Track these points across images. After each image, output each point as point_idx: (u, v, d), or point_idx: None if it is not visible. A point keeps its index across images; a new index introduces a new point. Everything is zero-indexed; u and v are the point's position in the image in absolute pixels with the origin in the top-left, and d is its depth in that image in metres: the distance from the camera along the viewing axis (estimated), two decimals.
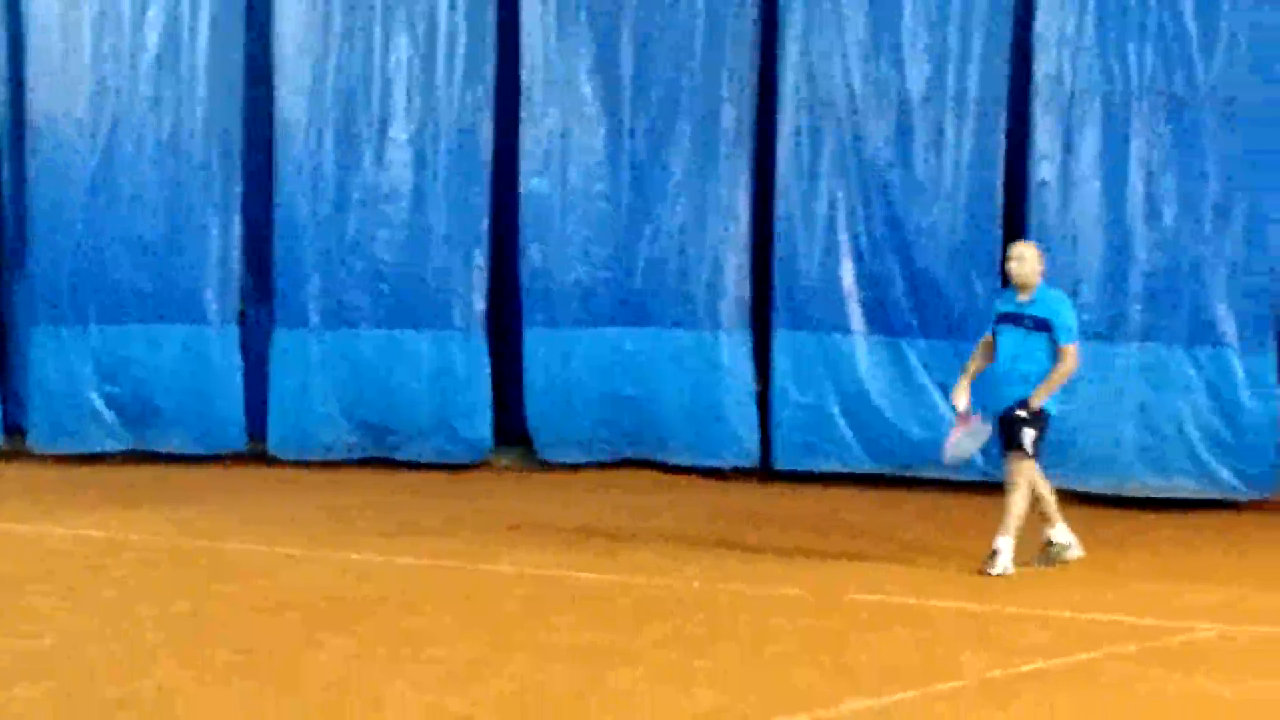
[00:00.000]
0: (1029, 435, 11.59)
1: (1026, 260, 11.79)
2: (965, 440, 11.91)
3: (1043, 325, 11.65)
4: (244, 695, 8.48)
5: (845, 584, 11.40)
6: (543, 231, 17.05)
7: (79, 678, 8.81)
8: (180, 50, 17.98)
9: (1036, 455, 11.67)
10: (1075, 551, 11.95)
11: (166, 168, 18.00)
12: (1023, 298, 11.78)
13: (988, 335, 11.96)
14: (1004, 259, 12.33)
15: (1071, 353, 11.65)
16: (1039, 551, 11.94)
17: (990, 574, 11.51)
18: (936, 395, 15.64)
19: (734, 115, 16.48)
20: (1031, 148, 15.37)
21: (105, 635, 9.89)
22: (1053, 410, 11.75)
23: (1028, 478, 11.66)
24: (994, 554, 11.60)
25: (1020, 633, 9.91)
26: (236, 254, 17.91)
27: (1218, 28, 14.83)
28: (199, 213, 17.91)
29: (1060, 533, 11.93)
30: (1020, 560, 11.70)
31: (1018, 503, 11.63)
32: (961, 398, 11.81)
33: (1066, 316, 11.70)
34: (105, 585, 11.49)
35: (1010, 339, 11.76)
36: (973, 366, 11.98)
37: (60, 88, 18.26)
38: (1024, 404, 11.59)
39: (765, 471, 16.29)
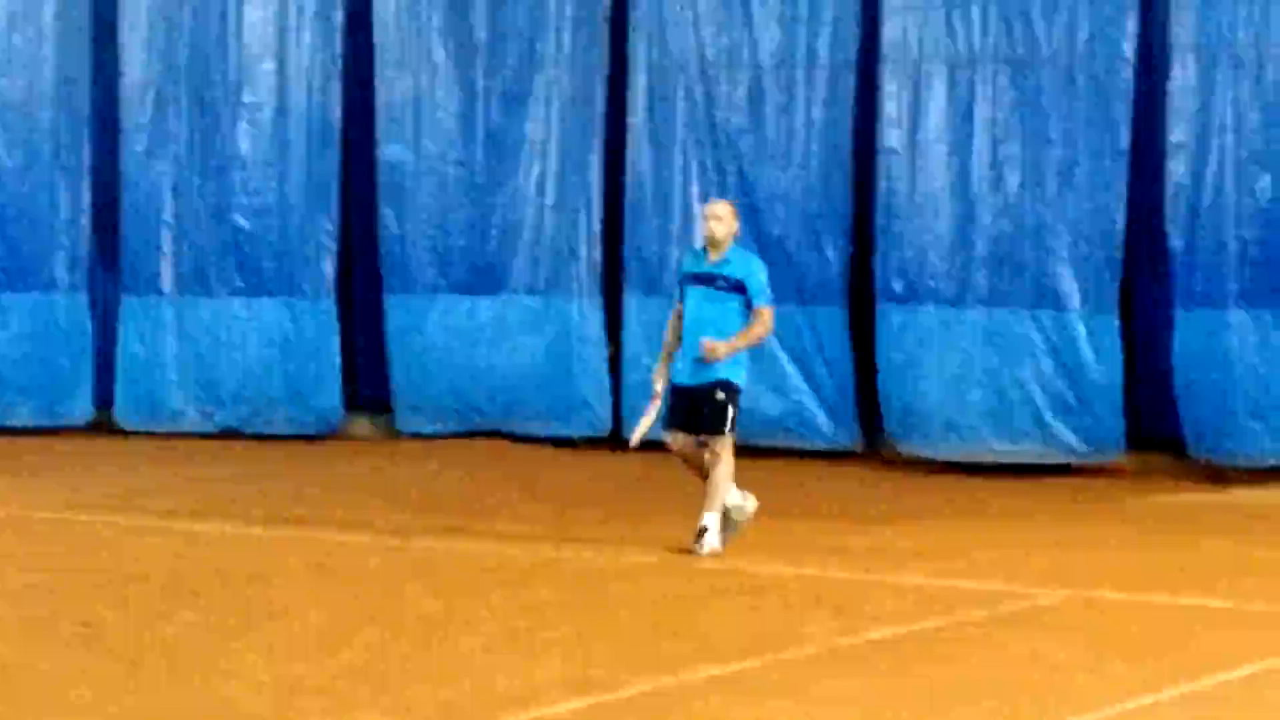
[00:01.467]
0: (731, 416, 11.17)
1: (724, 220, 11.25)
2: (655, 420, 11.43)
3: (737, 287, 11.18)
4: (89, 669, 8.37)
5: (687, 549, 11.42)
6: (398, 197, 16.95)
7: None
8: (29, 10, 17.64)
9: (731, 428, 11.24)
10: (752, 503, 11.40)
11: (14, 130, 17.67)
12: (715, 258, 11.23)
13: (679, 304, 11.38)
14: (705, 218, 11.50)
15: (768, 315, 11.24)
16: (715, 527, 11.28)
17: (700, 553, 11.12)
18: (788, 365, 15.70)
19: (588, 80, 16.44)
20: (880, 113, 15.46)
21: None
22: (743, 383, 11.30)
23: (729, 452, 11.24)
24: (702, 531, 11.15)
25: (870, 600, 9.99)
26: (85, 219, 17.64)
27: None
28: (46, 177, 17.62)
29: (732, 496, 11.38)
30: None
31: (721, 477, 11.19)
32: (660, 381, 11.34)
33: (762, 277, 11.24)
34: None
35: (698, 300, 11.22)
36: (670, 340, 11.37)
37: None
38: (722, 386, 11.15)
39: (617, 440, 16.29)
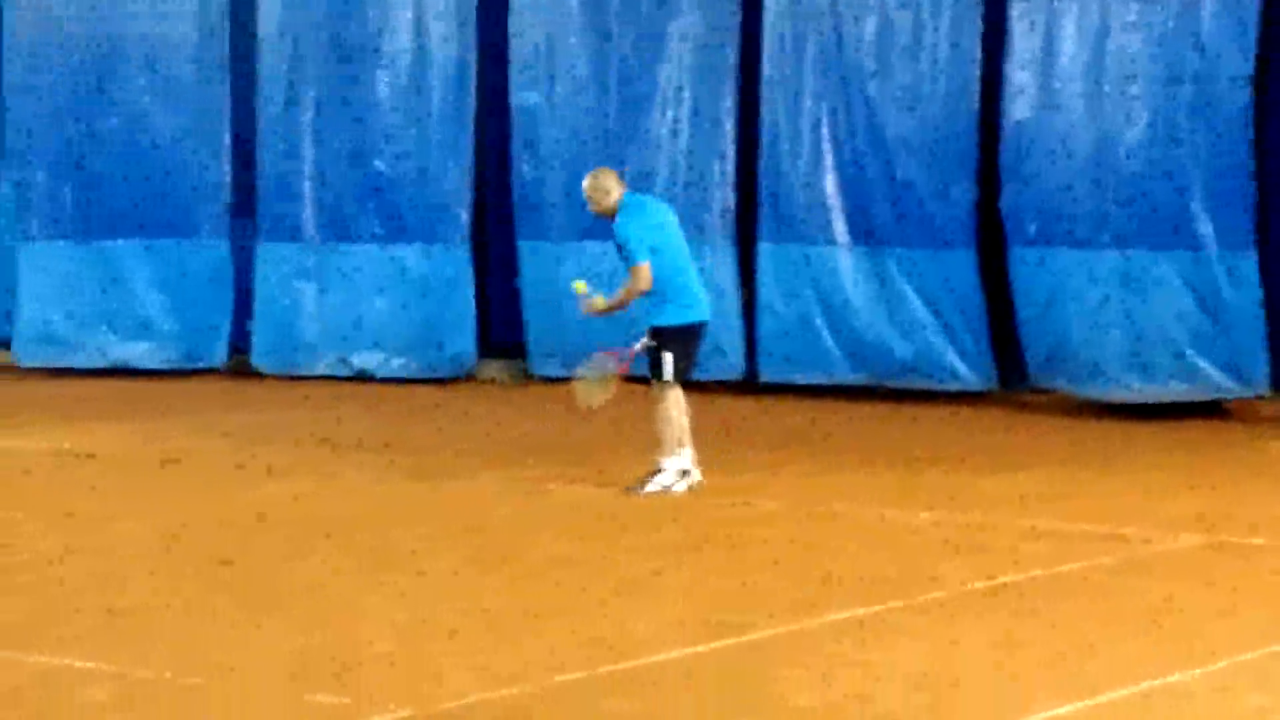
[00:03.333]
0: (666, 362, 11.24)
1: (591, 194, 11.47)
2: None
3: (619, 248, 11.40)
4: (221, 609, 8.48)
5: (826, 496, 11.40)
6: (532, 144, 16.95)
7: (58, 594, 8.80)
8: None
9: (676, 373, 11.28)
10: (694, 478, 11.39)
11: (156, 79, 17.86)
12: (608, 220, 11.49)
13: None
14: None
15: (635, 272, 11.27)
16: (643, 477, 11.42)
17: (639, 493, 11.21)
18: (921, 308, 15.60)
19: (720, 25, 16.31)
20: (1009, 52, 15.23)
21: (84, 550, 9.89)
22: (676, 321, 11.33)
23: (673, 399, 11.28)
24: (654, 472, 11.32)
25: (1002, 544, 9.91)
26: (226, 167, 17.82)
27: None
28: (188, 125, 17.79)
29: (684, 459, 11.41)
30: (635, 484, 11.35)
31: (663, 425, 11.29)
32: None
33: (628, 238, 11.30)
34: (84, 499, 11.48)
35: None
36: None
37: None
38: (651, 332, 11.33)
39: (750, 384, 16.26)
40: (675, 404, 11.34)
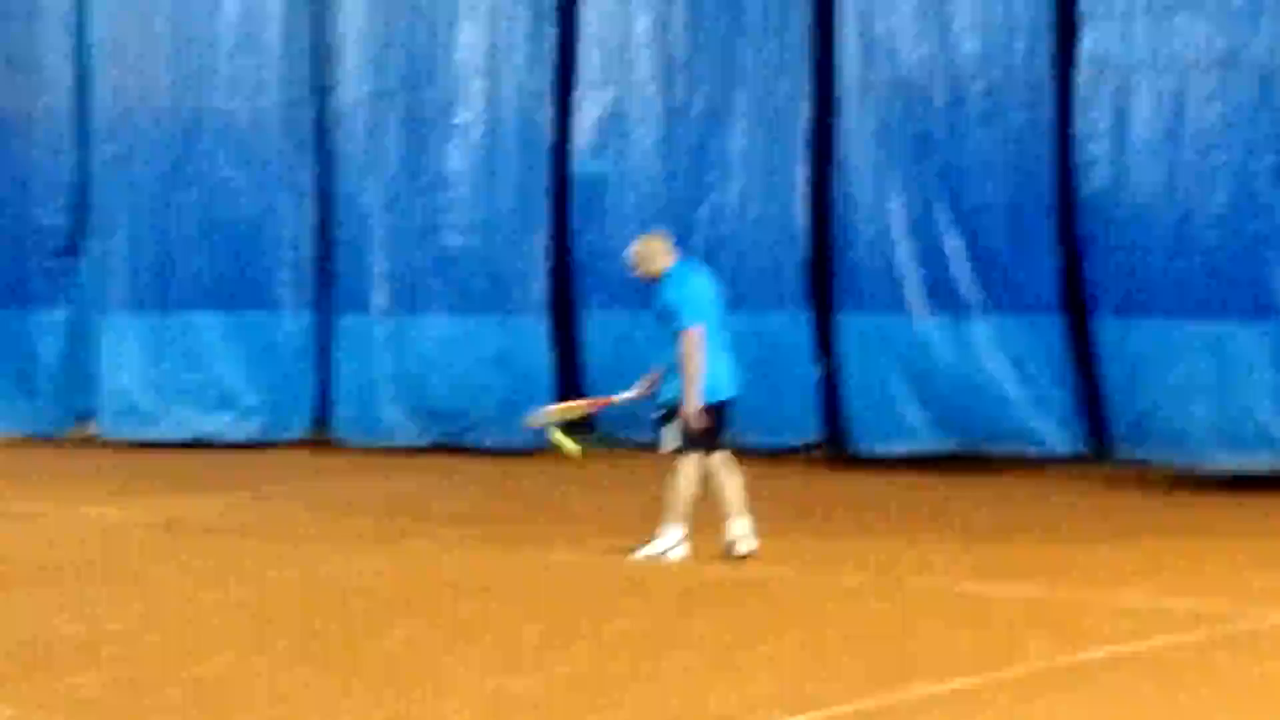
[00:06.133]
0: (675, 433, 11.33)
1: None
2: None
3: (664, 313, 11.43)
4: (307, 681, 8.50)
5: (909, 569, 11.34)
6: (599, 214, 17.00)
7: (144, 667, 8.84)
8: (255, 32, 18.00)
9: (701, 447, 11.34)
10: (749, 543, 11.47)
11: (240, 151, 18.04)
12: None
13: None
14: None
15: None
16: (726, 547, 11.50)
17: (637, 556, 11.43)
18: (1008, 374, 15.53)
19: (790, 94, 16.34)
20: (1081, 121, 15.16)
21: (168, 621, 9.93)
22: (710, 399, 11.33)
23: (683, 472, 11.35)
24: (653, 538, 11.49)
25: (1086, 619, 9.81)
26: (308, 238, 17.97)
27: None
28: (271, 198, 17.96)
29: (738, 526, 11.49)
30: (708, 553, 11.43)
31: (668, 493, 11.42)
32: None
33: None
34: (168, 570, 11.54)
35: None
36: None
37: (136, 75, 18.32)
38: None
39: (834, 455, 16.21)
40: (686, 476, 11.39)
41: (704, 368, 11.29)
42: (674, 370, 11.39)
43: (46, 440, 18.63)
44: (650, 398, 11.67)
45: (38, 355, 18.73)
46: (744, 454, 16.28)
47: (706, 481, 11.50)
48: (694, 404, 11.28)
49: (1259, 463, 14.62)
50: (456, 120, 17.45)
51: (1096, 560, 11.64)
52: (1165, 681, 8.42)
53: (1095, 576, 11.06)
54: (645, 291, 11.81)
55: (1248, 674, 8.55)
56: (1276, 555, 11.92)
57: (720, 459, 11.53)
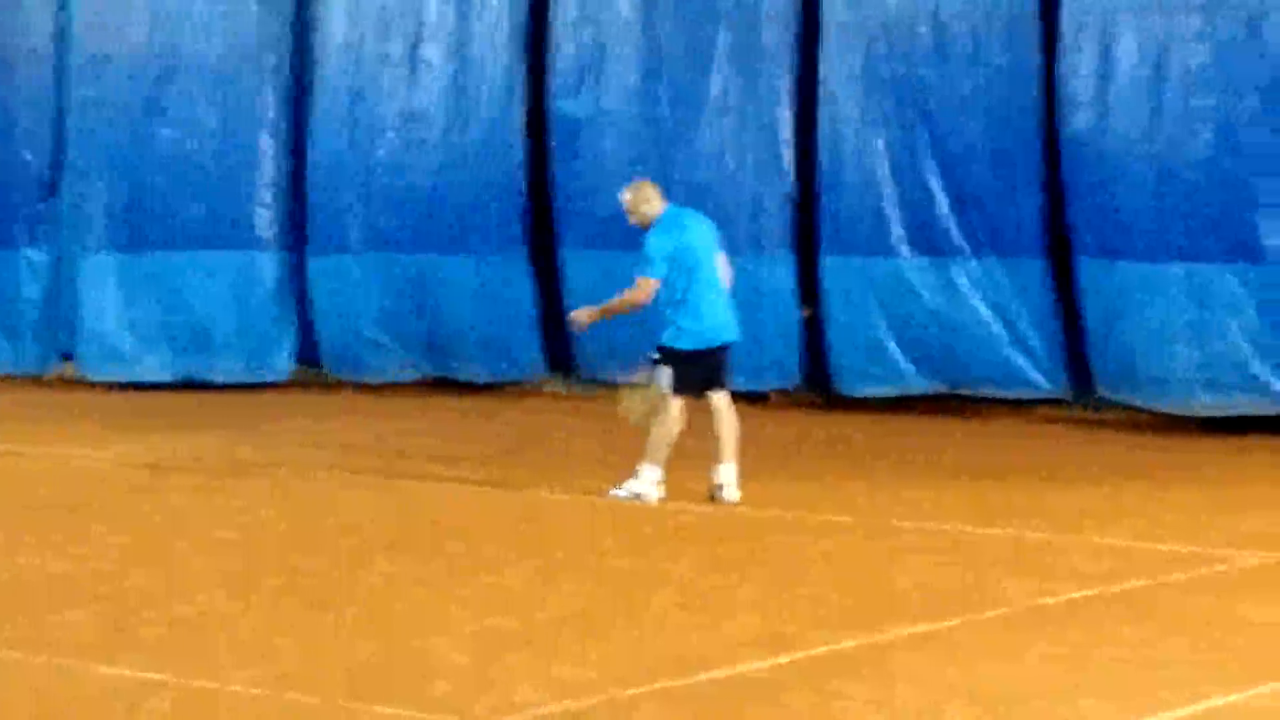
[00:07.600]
0: (667, 375, 11.36)
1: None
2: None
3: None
4: (292, 620, 8.54)
5: (892, 510, 11.39)
6: (576, 153, 16.93)
7: (126, 605, 8.87)
8: None
9: (678, 391, 11.37)
10: (732, 493, 11.47)
11: (213, 91, 17.98)
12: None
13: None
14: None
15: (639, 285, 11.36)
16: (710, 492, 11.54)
17: (615, 494, 11.48)
18: (990, 317, 15.54)
19: (776, 35, 16.28)
20: (1065, 63, 15.13)
21: (155, 560, 9.97)
22: (684, 346, 11.40)
23: (668, 414, 11.37)
24: (635, 474, 11.50)
25: (1068, 561, 9.88)
26: (284, 178, 17.93)
27: None
28: (246, 138, 17.93)
29: (725, 471, 11.51)
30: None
31: (653, 433, 11.43)
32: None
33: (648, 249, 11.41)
34: (154, 509, 11.57)
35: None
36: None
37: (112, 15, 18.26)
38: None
39: (818, 397, 16.25)
40: (670, 417, 11.39)
41: (630, 312, 11.53)
42: (669, 313, 11.39)
43: (31, 380, 18.64)
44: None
45: (21, 295, 18.74)
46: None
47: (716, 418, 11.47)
48: (593, 313, 11.67)
49: (1240, 404, 14.68)
50: (432, 58, 17.36)
51: (1078, 501, 11.71)
52: (1145, 623, 8.49)
53: (1076, 518, 11.13)
54: (632, 232, 11.81)
55: (1227, 615, 8.62)
56: (1256, 497, 11.98)
57: (720, 400, 11.51)
